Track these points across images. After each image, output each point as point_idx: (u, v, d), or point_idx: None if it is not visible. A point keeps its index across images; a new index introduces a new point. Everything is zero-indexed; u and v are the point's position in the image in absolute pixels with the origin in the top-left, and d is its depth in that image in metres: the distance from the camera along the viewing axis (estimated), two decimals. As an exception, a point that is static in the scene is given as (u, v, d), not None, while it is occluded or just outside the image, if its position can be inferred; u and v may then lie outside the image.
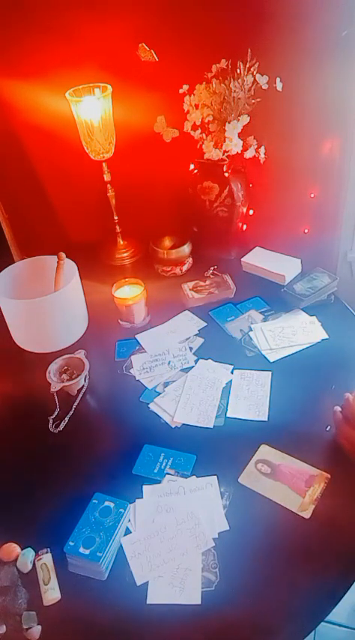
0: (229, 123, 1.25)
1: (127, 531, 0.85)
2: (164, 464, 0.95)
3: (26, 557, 0.82)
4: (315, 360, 1.14)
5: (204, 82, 1.26)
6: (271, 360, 1.15)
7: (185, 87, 1.27)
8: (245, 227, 1.50)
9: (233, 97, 1.23)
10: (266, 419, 1.02)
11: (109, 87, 1.28)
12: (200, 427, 1.01)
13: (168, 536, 0.84)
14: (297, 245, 1.48)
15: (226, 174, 1.37)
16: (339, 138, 1.35)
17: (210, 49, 1.24)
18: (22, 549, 0.84)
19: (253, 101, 1.25)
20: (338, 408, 0.94)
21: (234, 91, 1.21)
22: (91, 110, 1.26)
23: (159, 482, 0.92)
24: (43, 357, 1.16)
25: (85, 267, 1.24)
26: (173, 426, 1.03)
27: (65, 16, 1.23)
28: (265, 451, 0.95)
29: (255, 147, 1.34)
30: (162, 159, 1.43)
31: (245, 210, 1.46)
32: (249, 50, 1.19)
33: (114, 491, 0.89)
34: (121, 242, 1.56)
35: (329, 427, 0.96)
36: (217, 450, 0.97)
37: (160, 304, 1.33)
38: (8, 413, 1.12)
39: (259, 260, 1.44)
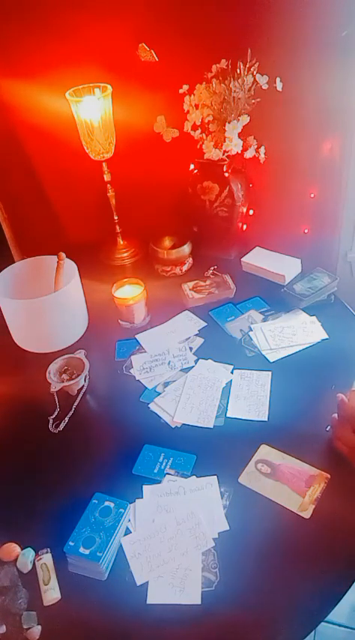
0: (229, 123, 1.25)
1: (127, 531, 0.85)
2: (164, 464, 0.94)
3: (26, 557, 0.82)
4: (315, 360, 1.14)
5: (204, 82, 1.26)
6: (271, 360, 1.15)
7: (185, 87, 1.27)
8: (245, 227, 1.50)
9: (233, 97, 1.23)
10: (266, 419, 1.02)
11: (109, 87, 1.28)
12: (200, 427, 1.01)
13: (168, 536, 0.84)
14: (297, 245, 1.48)
15: (226, 174, 1.37)
16: (339, 138, 1.35)
17: (210, 49, 1.24)
18: (22, 549, 0.84)
19: (253, 101, 1.25)
20: (335, 415, 0.94)
21: (234, 91, 1.21)
22: (91, 110, 1.26)
23: (159, 482, 0.92)
24: (43, 357, 1.16)
25: (85, 267, 1.24)
26: (173, 426, 1.03)
27: (65, 15, 1.23)
28: (265, 451, 0.95)
29: (255, 147, 1.34)
30: (162, 159, 1.42)
31: (245, 210, 1.45)
32: (249, 50, 1.19)
33: (114, 492, 0.89)
34: (121, 242, 1.56)
35: (329, 427, 0.96)
36: (217, 450, 0.97)
37: (160, 304, 1.33)
38: (8, 413, 1.12)
39: (259, 260, 1.44)
